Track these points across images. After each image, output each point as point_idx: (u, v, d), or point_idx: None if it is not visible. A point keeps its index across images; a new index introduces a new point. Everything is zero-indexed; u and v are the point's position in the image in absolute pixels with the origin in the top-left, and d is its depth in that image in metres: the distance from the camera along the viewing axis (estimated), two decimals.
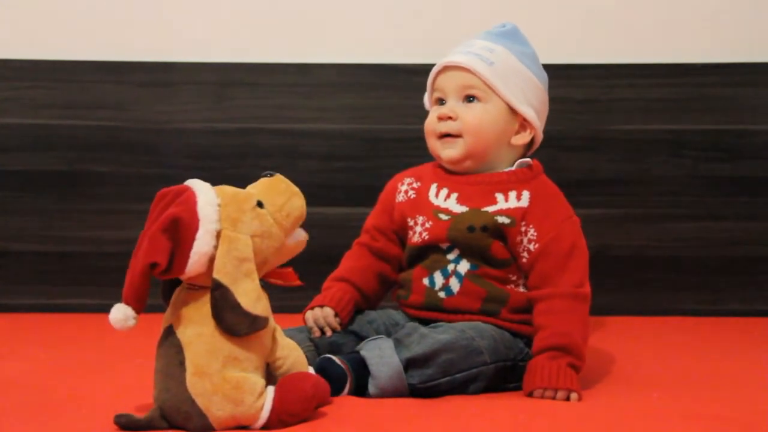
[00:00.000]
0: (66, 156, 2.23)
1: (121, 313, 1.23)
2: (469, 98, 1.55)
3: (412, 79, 2.22)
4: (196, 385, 1.23)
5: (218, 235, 1.25)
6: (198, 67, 2.24)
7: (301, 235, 1.36)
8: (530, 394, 1.44)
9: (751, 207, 2.22)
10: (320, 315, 1.53)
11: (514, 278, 1.53)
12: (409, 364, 1.41)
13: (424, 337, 1.43)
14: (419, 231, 1.55)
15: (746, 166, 2.22)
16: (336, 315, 1.53)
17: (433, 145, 1.58)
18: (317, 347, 1.49)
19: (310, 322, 1.53)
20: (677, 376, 1.60)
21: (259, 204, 1.30)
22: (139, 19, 2.26)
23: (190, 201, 1.25)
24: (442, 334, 1.44)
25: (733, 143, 2.22)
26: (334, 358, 1.42)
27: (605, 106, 2.22)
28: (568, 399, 1.42)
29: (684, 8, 2.25)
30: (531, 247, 1.50)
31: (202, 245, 1.24)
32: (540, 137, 1.60)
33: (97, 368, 1.64)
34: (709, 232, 2.22)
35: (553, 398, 1.42)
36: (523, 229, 1.51)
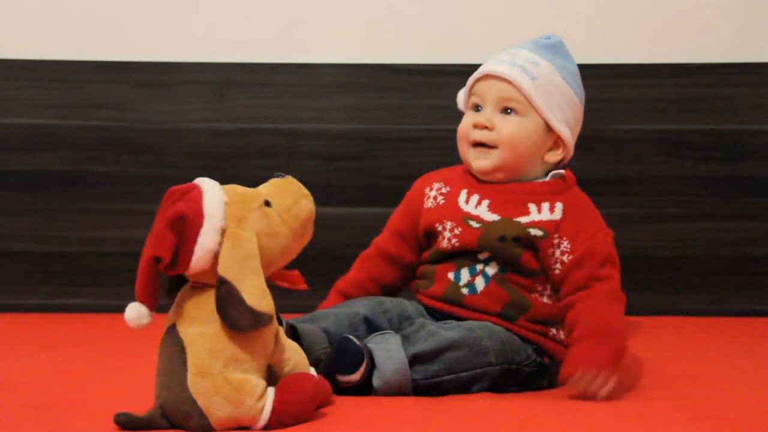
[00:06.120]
0: (66, 156, 2.23)
1: (135, 312, 1.24)
2: (507, 110, 1.53)
3: (412, 79, 2.22)
4: (197, 384, 1.23)
5: (223, 232, 1.25)
6: (198, 67, 2.24)
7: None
8: (569, 381, 1.41)
9: (751, 207, 2.22)
10: None
11: (540, 288, 1.52)
12: (415, 360, 1.41)
13: (432, 335, 1.43)
14: (448, 236, 1.53)
15: (746, 166, 2.21)
16: None
17: (465, 152, 1.56)
18: (332, 345, 1.47)
19: None
20: (677, 376, 1.60)
21: (267, 203, 1.31)
22: (139, 19, 2.26)
23: (196, 198, 1.26)
24: (450, 331, 1.44)
25: (733, 143, 2.22)
26: (352, 337, 1.40)
27: (605, 106, 2.21)
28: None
29: (683, 8, 2.25)
30: (564, 258, 1.49)
31: (206, 241, 1.24)
32: (571, 154, 1.58)
33: (97, 368, 1.64)
34: (709, 232, 2.22)
35: (592, 382, 1.39)
36: (555, 241, 1.49)
